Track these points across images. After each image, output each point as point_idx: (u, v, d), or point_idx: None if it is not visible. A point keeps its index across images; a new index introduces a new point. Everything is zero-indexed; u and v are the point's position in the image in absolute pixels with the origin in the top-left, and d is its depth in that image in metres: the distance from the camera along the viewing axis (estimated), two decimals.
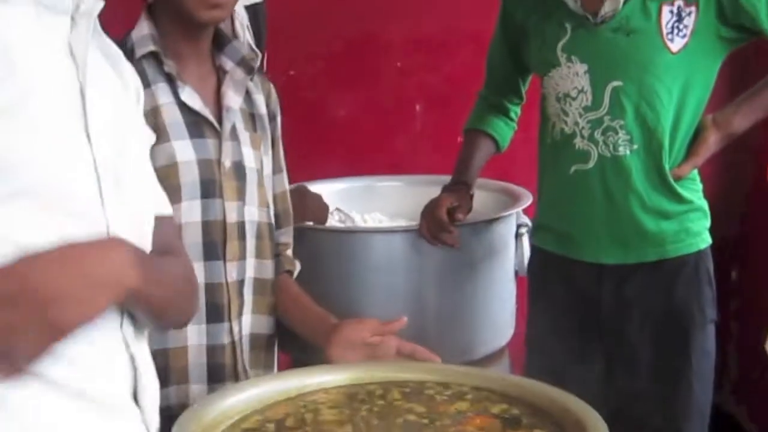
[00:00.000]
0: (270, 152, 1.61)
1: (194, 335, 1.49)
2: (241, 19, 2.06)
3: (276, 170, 1.63)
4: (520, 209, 2.11)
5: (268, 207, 1.58)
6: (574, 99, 1.81)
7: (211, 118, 1.49)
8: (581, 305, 1.85)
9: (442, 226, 1.84)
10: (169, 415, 1.21)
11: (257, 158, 1.55)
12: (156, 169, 1.28)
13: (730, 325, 2.95)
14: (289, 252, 1.66)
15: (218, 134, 1.49)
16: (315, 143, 2.68)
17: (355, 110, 2.96)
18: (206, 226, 1.48)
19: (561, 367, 1.72)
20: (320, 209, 2.10)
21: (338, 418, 1.23)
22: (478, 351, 2.01)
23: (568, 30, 1.80)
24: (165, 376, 1.43)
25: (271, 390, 1.29)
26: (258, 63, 1.58)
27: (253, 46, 1.98)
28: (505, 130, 2.04)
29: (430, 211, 1.87)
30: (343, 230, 2.10)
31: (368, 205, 2.41)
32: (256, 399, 1.27)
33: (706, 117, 1.81)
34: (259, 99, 1.60)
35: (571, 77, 1.81)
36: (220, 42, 1.55)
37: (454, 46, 2.95)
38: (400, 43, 2.99)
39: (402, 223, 2.35)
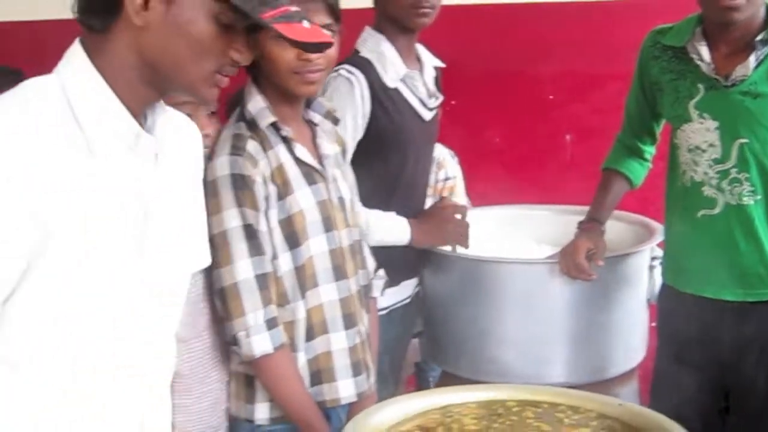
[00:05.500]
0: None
1: (341, 341, 1.83)
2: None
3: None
4: (654, 244, 2.31)
5: (358, 226, 1.95)
6: (704, 151, 2.01)
7: (319, 167, 1.84)
8: (703, 339, 2.05)
9: (582, 270, 2.08)
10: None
11: (347, 189, 1.92)
12: (287, 217, 1.74)
13: None
14: (374, 277, 2.01)
15: (324, 178, 1.84)
16: (471, 170, 2.95)
17: (509, 140, 3.22)
18: (332, 254, 1.83)
19: (683, 397, 1.94)
20: (460, 234, 2.29)
21: (478, 427, 1.50)
22: (610, 371, 2.24)
23: (701, 90, 2.00)
24: (319, 378, 1.82)
25: (424, 403, 1.59)
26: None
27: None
28: (638, 170, 2.26)
29: (570, 255, 2.11)
30: (487, 260, 2.31)
31: (518, 230, 2.67)
32: (412, 410, 1.56)
33: None
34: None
35: (702, 132, 2.01)
36: (307, 99, 1.88)
37: (604, 80, 3.15)
38: (553, 76, 3.22)
39: (548, 248, 2.59)
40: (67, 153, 1.14)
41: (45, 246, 1.13)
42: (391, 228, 2.20)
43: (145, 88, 1.22)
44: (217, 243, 1.72)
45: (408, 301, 2.37)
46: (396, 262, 2.20)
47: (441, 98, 2.36)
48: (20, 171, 1.10)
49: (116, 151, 1.20)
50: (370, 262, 2.01)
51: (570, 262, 2.11)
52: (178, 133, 1.36)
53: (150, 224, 1.24)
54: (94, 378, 1.22)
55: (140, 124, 1.23)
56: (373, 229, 2.12)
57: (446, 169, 2.86)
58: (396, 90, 2.21)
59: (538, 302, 2.21)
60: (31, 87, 1.19)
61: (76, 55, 1.21)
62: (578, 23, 3.20)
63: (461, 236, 2.29)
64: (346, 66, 2.14)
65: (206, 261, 1.48)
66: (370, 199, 2.08)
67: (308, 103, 1.90)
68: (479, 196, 2.92)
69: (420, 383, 2.68)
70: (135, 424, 1.28)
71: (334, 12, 1.79)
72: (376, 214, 2.15)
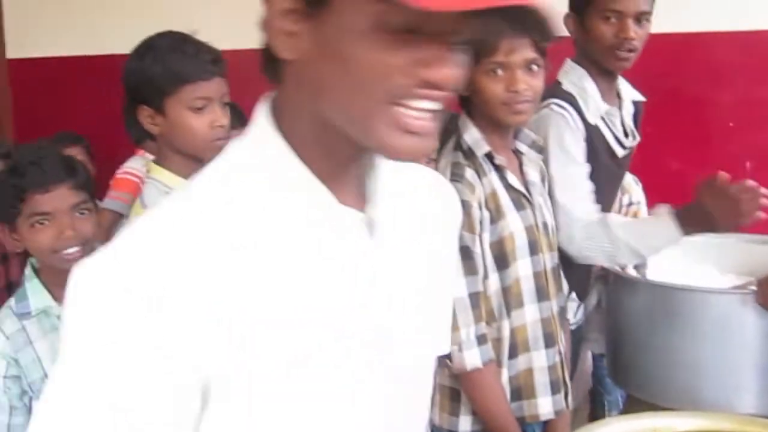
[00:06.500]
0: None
1: (542, 359, 1.91)
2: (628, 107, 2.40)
3: None
4: None
5: (557, 251, 2.03)
6: None
7: (526, 193, 1.92)
8: None
9: None
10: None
11: (550, 215, 2.01)
12: (498, 240, 1.83)
13: None
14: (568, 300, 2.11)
15: (531, 204, 1.92)
16: (652, 197, 2.95)
17: (689, 167, 3.21)
18: (536, 276, 1.92)
19: None
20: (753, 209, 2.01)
21: None
22: None
23: None
24: (519, 394, 1.91)
25: (634, 426, 1.61)
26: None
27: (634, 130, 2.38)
28: None
29: None
30: (682, 288, 2.28)
31: (701, 258, 2.66)
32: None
33: None
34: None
35: None
36: (515, 130, 1.97)
37: None
38: (733, 103, 3.20)
39: (732, 277, 2.57)
40: (232, 265, 0.88)
41: (228, 390, 0.88)
42: (654, 231, 2.17)
43: (333, 145, 0.92)
44: None
45: (581, 323, 2.42)
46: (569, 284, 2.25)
47: (638, 139, 2.40)
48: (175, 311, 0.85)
49: (301, 237, 0.92)
50: (565, 285, 2.07)
51: None
52: (422, 192, 1.10)
53: (372, 313, 0.97)
54: None
55: (362, 194, 0.98)
56: (634, 240, 2.13)
57: (631, 194, 2.89)
58: (596, 127, 2.27)
59: (731, 331, 2.20)
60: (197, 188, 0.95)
61: (257, 121, 0.96)
62: (759, 50, 3.18)
63: (753, 210, 2.02)
64: (557, 101, 2.21)
65: (445, 347, 1.20)
66: None
67: (515, 134, 1.99)
68: None
69: (595, 399, 2.74)
70: None
71: (540, 47, 1.86)
72: (622, 222, 2.17)
